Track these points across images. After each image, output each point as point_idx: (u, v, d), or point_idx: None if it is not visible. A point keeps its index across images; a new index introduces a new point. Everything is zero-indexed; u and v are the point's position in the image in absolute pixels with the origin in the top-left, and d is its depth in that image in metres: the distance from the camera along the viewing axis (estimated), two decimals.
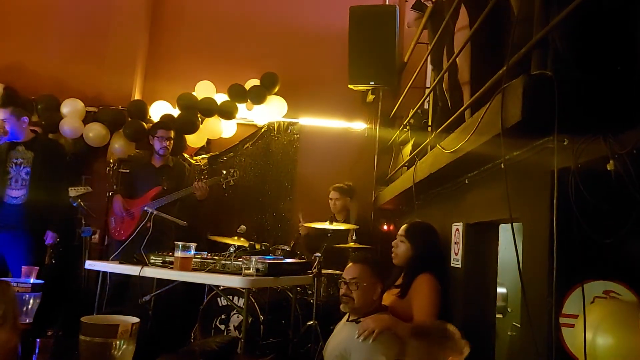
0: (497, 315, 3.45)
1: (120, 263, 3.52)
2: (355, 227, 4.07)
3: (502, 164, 1.96)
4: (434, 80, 3.51)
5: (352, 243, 4.00)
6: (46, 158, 4.21)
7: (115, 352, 2.53)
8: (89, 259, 3.80)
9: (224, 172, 4.62)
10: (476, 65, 2.80)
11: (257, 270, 3.07)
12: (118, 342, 2.53)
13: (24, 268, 3.54)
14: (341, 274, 2.82)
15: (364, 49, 4.92)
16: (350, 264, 2.76)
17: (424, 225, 3.12)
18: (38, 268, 3.61)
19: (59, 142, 4.49)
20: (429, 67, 4.45)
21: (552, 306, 1.78)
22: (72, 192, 4.44)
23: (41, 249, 4.25)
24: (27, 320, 3.31)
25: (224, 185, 4.64)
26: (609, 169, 1.46)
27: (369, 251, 3.92)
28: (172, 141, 4.59)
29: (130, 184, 4.65)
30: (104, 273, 3.64)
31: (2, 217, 4.10)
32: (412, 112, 4.24)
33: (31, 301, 3.34)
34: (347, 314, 2.77)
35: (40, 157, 4.18)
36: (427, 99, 4.01)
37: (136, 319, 2.71)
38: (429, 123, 3.85)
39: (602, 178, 1.51)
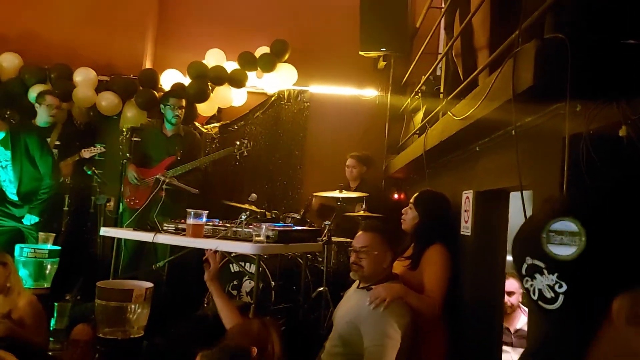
0: None
1: (134, 230, 3.59)
2: (365, 194, 4.08)
3: (513, 131, 1.94)
4: (447, 46, 3.45)
5: (362, 212, 4.02)
6: (22, 151, 4.17)
7: (130, 316, 2.62)
8: (104, 225, 3.88)
9: (237, 142, 4.63)
10: (494, 28, 2.73)
11: (267, 237, 3.11)
12: (133, 306, 2.61)
13: (40, 234, 3.65)
14: (351, 242, 2.84)
15: (375, 15, 4.83)
16: (360, 232, 2.76)
17: (434, 194, 3.09)
18: (55, 235, 3.71)
19: (29, 125, 4.42)
20: (442, 32, 4.36)
21: None
22: (86, 153, 4.48)
23: (57, 216, 4.32)
24: (45, 285, 3.42)
25: (237, 156, 4.66)
26: (621, 134, 1.44)
27: (380, 220, 3.93)
28: (183, 110, 4.59)
29: (142, 153, 4.68)
30: (119, 239, 3.71)
31: (11, 208, 4.18)
32: (424, 78, 4.18)
33: (49, 266, 3.45)
34: (358, 281, 2.79)
35: (17, 152, 4.16)
36: (440, 65, 3.95)
37: (150, 284, 2.79)
38: (441, 90, 3.80)
39: (615, 144, 1.49)
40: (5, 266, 2.70)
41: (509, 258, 3.05)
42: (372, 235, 2.70)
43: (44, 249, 3.46)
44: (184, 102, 4.59)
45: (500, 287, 2.89)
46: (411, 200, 3.06)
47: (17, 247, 3.44)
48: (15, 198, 4.17)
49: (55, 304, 2.69)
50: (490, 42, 2.60)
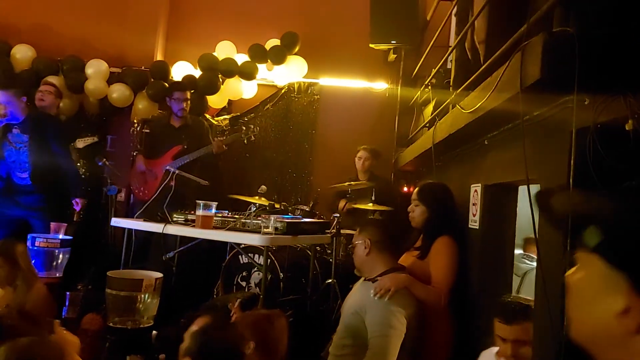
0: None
1: (144, 221, 3.62)
2: (371, 184, 4.09)
3: (522, 124, 1.93)
4: (457, 38, 3.44)
5: (371, 204, 4.02)
6: (39, 137, 4.23)
7: (140, 305, 2.65)
8: (115, 216, 3.92)
9: (244, 127, 4.65)
10: (494, 24, 2.71)
11: (276, 228, 3.13)
12: (142, 296, 2.65)
13: (52, 224, 3.69)
14: None
15: (385, 7, 4.82)
16: None
17: (436, 186, 3.10)
18: (66, 225, 3.76)
19: (48, 114, 4.47)
20: (453, 25, 4.33)
21: (566, 268, 1.78)
22: (80, 143, 4.55)
23: (67, 206, 4.36)
24: (57, 275, 3.47)
25: (245, 141, 4.68)
26: (627, 129, 1.43)
27: (385, 213, 3.94)
28: (189, 102, 4.62)
29: (152, 145, 4.74)
30: (129, 230, 3.75)
31: (19, 195, 4.21)
32: (434, 71, 4.17)
33: (60, 256, 3.50)
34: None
35: (34, 137, 4.21)
36: (450, 57, 3.93)
37: (159, 274, 2.82)
38: (451, 83, 3.79)
39: (621, 138, 1.49)
40: (14, 264, 2.73)
41: (517, 252, 3.05)
42: (357, 231, 2.81)
43: (55, 239, 3.51)
44: (188, 94, 4.62)
45: (507, 280, 2.89)
46: (413, 196, 3.04)
47: (30, 236, 3.50)
48: (23, 182, 4.21)
49: (67, 293, 2.73)
50: (498, 35, 2.59)
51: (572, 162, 1.65)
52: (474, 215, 2.93)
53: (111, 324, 2.54)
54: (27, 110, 4.27)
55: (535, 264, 3.66)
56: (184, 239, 3.95)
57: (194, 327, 1.81)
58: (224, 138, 4.72)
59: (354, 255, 2.75)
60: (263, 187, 4.22)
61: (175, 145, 4.51)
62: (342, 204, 4.32)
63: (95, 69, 5.14)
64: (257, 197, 4.16)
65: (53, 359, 1.52)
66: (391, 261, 2.72)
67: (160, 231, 3.39)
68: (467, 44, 3.24)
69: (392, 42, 4.99)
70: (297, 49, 5.42)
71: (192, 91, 4.84)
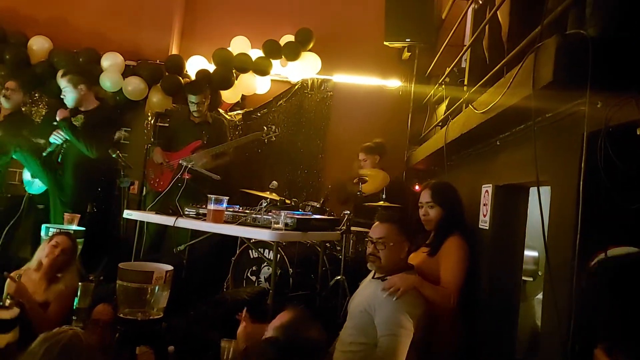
0: (528, 279, 3.46)
1: (156, 213, 3.66)
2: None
3: (533, 126, 1.92)
4: (472, 37, 3.42)
5: (382, 202, 4.02)
6: (97, 129, 4.37)
7: (150, 297, 2.68)
8: (128, 208, 3.96)
9: (265, 127, 4.68)
10: (515, 24, 2.70)
11: (286, 224, 3.14)
12: (153, 288, 2.67)
13: (66, 215, 3.74)
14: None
15: (400, 5, 4.81)
16: (376, 223, 2.74)
17: (445, 185, 3.08)
18: (80, 215, 3.81)
19: (115, 113, 4.66)
20: (468, 24, 4.31)
21: (575, 270, 1.78)
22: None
23: (83, 198, 4.42)
24: None
25: (265, 141, 4.71)
26: (638, 134, 1.43)
27: (397, 210, 3.93)
28: (204, 102, 4.66)
29: (169, 138, 4.78)
30: (142, 222, 3.79)
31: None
32: (448, 70, 4.15)
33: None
34: (373, 271, 2.81)
35: (92, 126, 4.34)
36: (464, 56, 3.91)
37: (170, 267, 2.84)
38: (465, 82, 3.77)
39: (632, 142, 1.48)
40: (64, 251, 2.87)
41: (527, 253, 3.04)
42: (388, 226, 2.69)
43: (69, 230, 3.56)
44: (203, 97, 4.66)
45: (517, 281, 2.88)
46: (426, 199, 3.00)
47: (44, 227, 3.55)
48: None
49: (80, 283, 2.76)
50: (515, 35, 2.58)
51: (582, 165, 1.64)
52: (485, 216, 2.92)
53: (121, 315, 2.56)
54: (97, 102, 4.46)
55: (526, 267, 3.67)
56: (195, 232, 3.99)
57: (277, 322, 1.83)
58: (247, 135, 4.77)
59: (389, 254, 2.63)
60: (274, 182, 4.24)
61: (195, 140, 4.56)
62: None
63: (111, 62, 5.19)
64: (268, 193, 4.19)
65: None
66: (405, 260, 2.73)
67: (172, 224, 3.43)
68: (484, 43, 3.22)
69: (407, 40, 4.97)
70: (311, 45, 5.42)
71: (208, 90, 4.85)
